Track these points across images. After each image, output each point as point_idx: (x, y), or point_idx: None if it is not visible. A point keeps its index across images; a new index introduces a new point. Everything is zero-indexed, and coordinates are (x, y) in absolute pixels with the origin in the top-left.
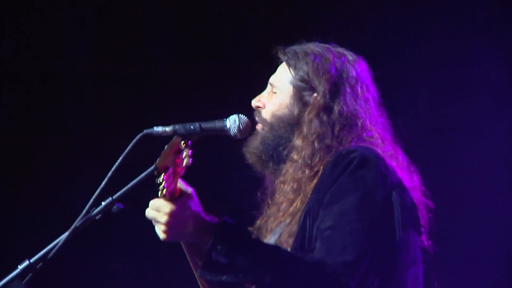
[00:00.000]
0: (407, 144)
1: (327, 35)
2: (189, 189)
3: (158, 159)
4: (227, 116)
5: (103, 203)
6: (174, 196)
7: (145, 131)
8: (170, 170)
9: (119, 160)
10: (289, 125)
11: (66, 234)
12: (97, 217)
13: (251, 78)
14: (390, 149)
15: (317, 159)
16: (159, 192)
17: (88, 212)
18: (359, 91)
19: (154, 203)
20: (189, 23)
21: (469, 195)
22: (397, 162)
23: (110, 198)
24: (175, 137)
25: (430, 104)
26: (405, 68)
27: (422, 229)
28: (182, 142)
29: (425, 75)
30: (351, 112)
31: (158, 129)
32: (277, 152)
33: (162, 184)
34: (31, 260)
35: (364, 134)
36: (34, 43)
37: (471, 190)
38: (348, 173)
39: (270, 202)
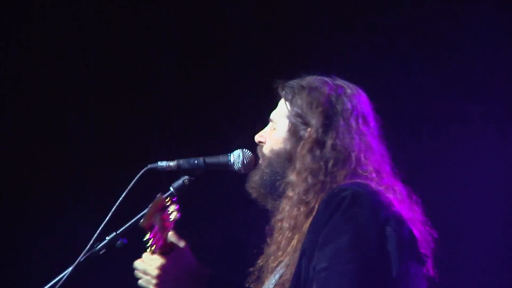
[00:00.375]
0: (410, 173)
1: (331, 66)
2: (182, 243)
3: (142, 219)
4: (231, 151)
5: (107, 238)
6: (165, 251)
7: (149, 166)
8: (156, 227)
9: (123, 195)
10: (284, 161)
11: (70, 269)
12: (101, 252)
13: (256, 113)
14: (387, 181)
15: (311, 195)
16: (148, 250)
17: (92, 247)
18: (354, 124)
19: (146, 256)
20: (194, 55)
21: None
22: (395, 194)
23: (114, 233)
24: (158, 195)
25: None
26: (407, 99)
27: (424, 259)
28: (167, 199)
29: (426, 104)
30: (344, 146)
31: (162, 163)
32: (274, 188)
33: (149, 242)
34: None
35: (359, 169)
36: (39, 66)
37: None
38: (340, 212)
39: (269, 241)
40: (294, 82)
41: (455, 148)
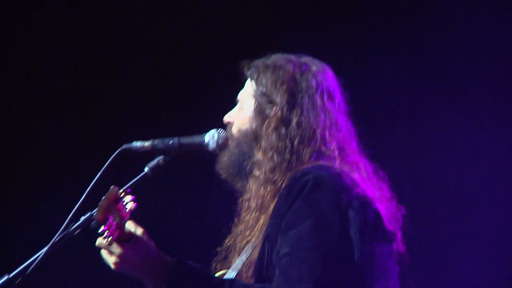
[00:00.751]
0: (385, 161)
1: (303, 46)
2: (140, 230)
3: (96, 212)
4: (206, 131)
5: (82, 219)
6: (123, 240)
7: (124, 146)
8: (111, 219)
9: (98, 175)
10: (250, 140)
11: (45, 249)
12: (75, 233)
13: (230, 93)
14: (352, 158)
15: (278, 174)
16: (105, 242)
17: (67, 227)
18: (319, 100)
19: (106, 246)
20: (167, 38)
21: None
22: (360, 172)
23: (89, 213)
24: (111, 187)
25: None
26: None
27: (392, 237)
28: (120, 190)
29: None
30: (309, 124)
31: (137, 144)
32: (242, 168)
33: (105, 234)
34: (11, 275)
35: (323, 147)
36: (14, 60)
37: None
38: (302, 198)
39: (236, 220)
40: (259, 62)
41: (431, 135)
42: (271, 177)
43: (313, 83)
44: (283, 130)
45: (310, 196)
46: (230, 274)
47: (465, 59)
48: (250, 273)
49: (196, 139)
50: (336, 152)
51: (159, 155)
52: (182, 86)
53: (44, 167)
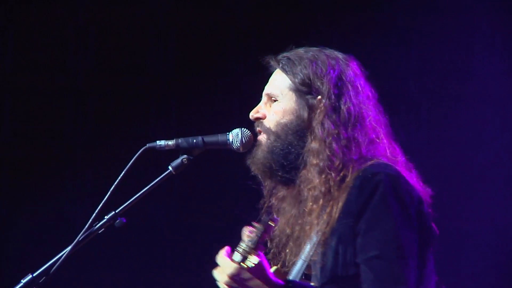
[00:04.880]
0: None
1: (327, 40)
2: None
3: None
4: (230, 130)
5: (106, 217)
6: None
7: (148, 145)
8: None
9: (122, 174)
10: (297, 131)
11: (69, 248)
12: (100, 231)
13: (253, 92)
14: (395, 150)
15: (337, 160)
16: (247, 261)
17: (91, 226)
18: (359, 88)
19: (223, 261)
20: (191, 36)
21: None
22: (403, 166)
23: (113, 212)
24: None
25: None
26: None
27: (435, 239)
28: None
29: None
30: (357, 111)
31: (161, 143)
32: (287, 160)
33: (252, 259)
34: (34, 274)
35: (374, 134)
36: (36, 57)
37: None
38: (379, 197)
39: (295, 211)
40: (288, 54)
41: (455, 127)
42: (330, 164)
43: (350, 72)
44: (335, 117)
45: (386, 196)
46: (299, 263)
47: (489, 56)
48: (314, 272)
49: (220, 138)
50: (383, 141)
51: (182, 154)
52: (206, 83)
53: (67, 165)
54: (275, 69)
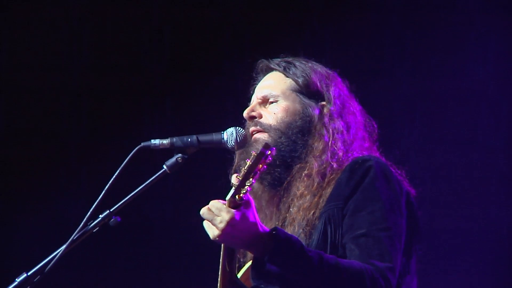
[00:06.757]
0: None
1: (321, 43)
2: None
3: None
4: (224, 129)
5: (100, 216)
6: (236, 203)
7: (143, 144)
8: (258, 174)
9: (116, 173)
10: (300, 130)
11: (64, 247)
12: (94, 230)
13: (248, 92)
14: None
15: (337, 161)
16: (236, 195)
17: (85, 225)
18: (351, 98)
19: (215, 205)
20: (186, 36)
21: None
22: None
23: (107, 211)
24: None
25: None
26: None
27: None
28: (269, 152)
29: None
30: (355, 115)
31: (155, 141)
32: (290, 157)
33: (245, 187)
34: (29, 273)
35: (368, 141)
36: (31, 57)
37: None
38: (369, 180)
39: (284, 194)
40: (288, 59)
41: (449, 128)
42: (330, 163)
43: (340, 82)
44: (338, 122)
45: (376, 180)
46: None
47: (484, 57)
48: None
49: (214, 137)
50: (374, 147)
51: (177, 153)
52: (200, 82)
53: (62, 164)
54: (267, 73)
